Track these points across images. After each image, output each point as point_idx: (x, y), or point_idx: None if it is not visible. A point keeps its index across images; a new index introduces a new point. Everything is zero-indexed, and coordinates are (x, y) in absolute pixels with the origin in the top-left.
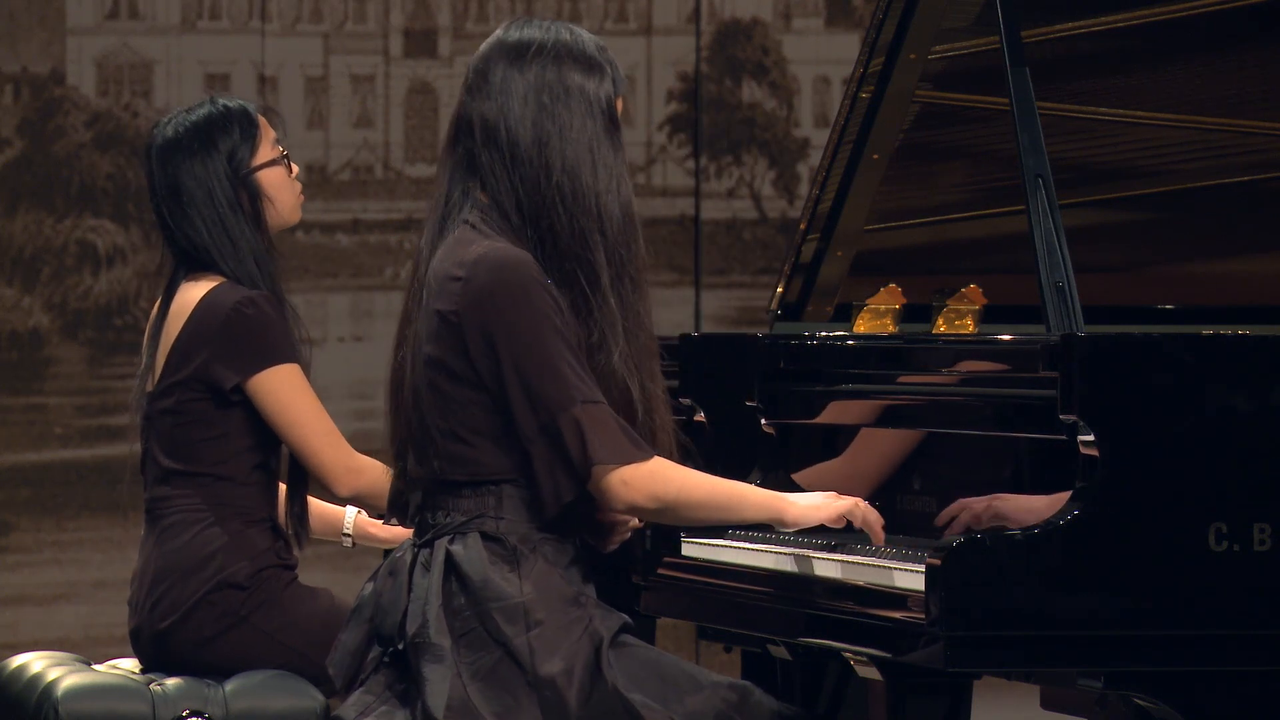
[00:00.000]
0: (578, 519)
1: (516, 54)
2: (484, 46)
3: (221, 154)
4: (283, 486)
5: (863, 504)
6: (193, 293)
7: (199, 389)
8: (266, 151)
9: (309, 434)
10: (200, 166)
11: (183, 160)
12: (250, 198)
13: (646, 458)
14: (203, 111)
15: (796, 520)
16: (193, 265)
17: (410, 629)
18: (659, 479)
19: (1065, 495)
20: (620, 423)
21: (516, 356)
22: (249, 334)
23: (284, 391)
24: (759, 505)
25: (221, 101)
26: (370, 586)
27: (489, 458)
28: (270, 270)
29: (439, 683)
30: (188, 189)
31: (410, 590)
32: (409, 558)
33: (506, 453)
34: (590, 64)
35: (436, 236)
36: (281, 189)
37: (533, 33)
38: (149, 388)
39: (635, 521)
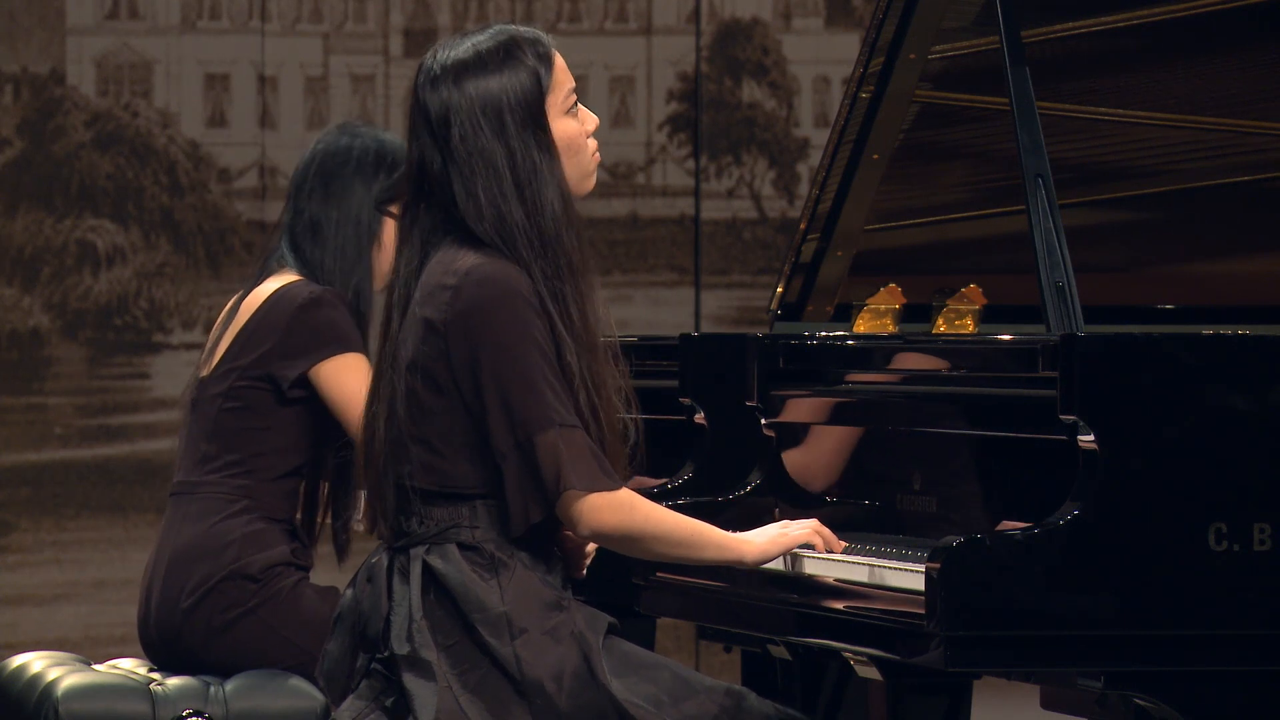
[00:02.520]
0: (546, 538)
1: (432, 86)
2: (412, 85)
3: (379, 184)
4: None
5: (817, 530)
6: (270, 285)
7: (257, 377)
8: None
9: None
10: (361, 185)
11: (350, 171)
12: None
13: (617, 486)
14: (395, 142)
15: (756, 560)
16: (299, 244)
17: (395, 642)
18: (627, 508)
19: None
20: (594, 449)
21: (499, 373)
22: (317, 324)
23: (348, 376)
24: (719, 546)
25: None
26: (350, 593)
27: (460, 470)
28: (368, 296)
29: (427, 698)
30: (339, 193)
31: (390, 597)
32: (385, 562)
33: (478, 467)
34: (488, 65)
35: (407, 299)
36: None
37: (439, 57)
38: (204, 373)
39: (591, 548)
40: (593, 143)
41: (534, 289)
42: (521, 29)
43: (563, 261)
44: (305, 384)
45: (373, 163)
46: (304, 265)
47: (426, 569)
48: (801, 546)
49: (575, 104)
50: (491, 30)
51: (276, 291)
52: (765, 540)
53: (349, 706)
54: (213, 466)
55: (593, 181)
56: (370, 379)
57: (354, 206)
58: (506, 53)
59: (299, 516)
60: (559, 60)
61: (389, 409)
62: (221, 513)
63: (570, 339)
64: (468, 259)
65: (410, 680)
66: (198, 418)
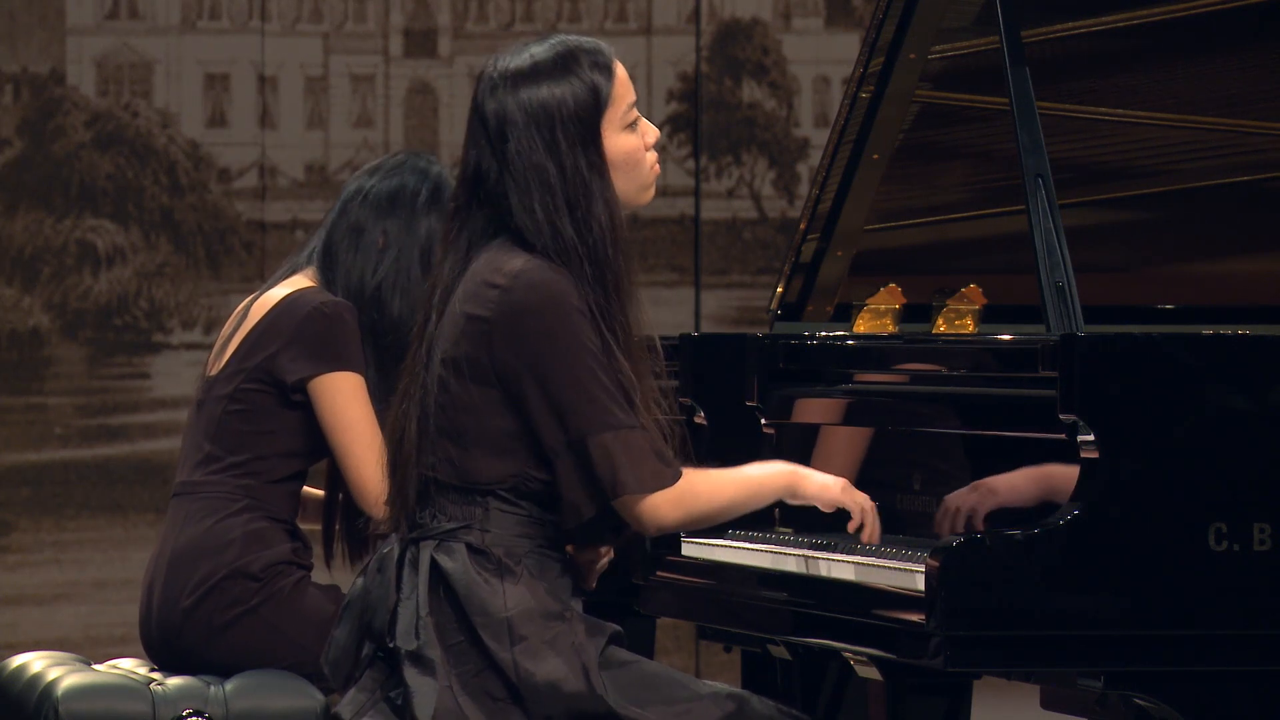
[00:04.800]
0: (556, 547)
1: (490, 93)
2: (472, 91)
3: (434, 223)
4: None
5: (870, 508)
6: (282, 290)
7: (262, 379)
8: None
9: (358, 446)
10: (424, 218)
11: (420, 201)
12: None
13: (675, 480)
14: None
15: (812, 495)
16: (334, 244)
17: (401, 637)
18: (689, 498)
19: (1046, 468)
20: (651, 446)
21: (550, 377)
22: (324, 335)
23: (343, 397)
24: (775, 487)
25: None
26: (361, 581)
27: (478, 465)
28: (378, 315)
29: (426, 695)
30: (403, 218)
31: (399, 589)
32: (396, 553)
33: (499, 465)
34: (544, 76)
35: (448, 300)
36: None
37: (499, 65)
38: (211, 372)
39: (606, 560)
40: (652, 155)
41: (583, 298)
42: (583, 40)
43: (609, 279)
44: (306, 390)
45: (432, 203)
46: (328, 269)
47: (434, 566)
48: (827, 532)
49: (636, 118)
50: (551, 40)
51: (289, 296)
52: (822, 481)
53: (351, 700)
54: (216, 467)
55: (651, 194)
56: (365, 403)
57: (414, 233)
58: (563, 64)
59: (321, 524)
60: (620, 73)
61: (420, 408)
62: (223, 512)
63: (619, 355)
64: (517, 261)
65: (412, 675)
66: (202, 418)
